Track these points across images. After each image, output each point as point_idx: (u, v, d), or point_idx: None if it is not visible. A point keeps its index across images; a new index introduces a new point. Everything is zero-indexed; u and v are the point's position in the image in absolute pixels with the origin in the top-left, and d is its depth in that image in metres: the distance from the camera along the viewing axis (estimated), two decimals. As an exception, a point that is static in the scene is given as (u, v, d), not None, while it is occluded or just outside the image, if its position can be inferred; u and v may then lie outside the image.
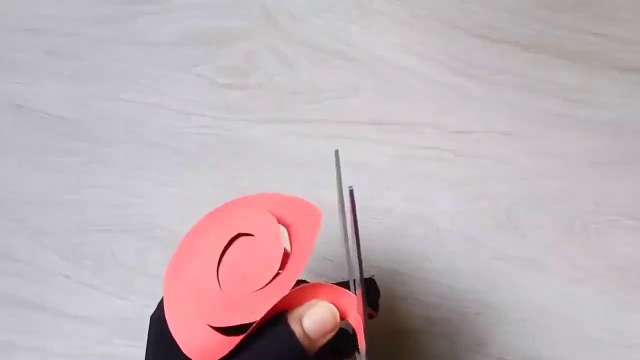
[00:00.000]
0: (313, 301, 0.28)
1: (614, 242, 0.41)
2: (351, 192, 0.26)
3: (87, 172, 0.47)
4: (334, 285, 0.29)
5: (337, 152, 0.30)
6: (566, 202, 0.42)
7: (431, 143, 0.44)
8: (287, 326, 0.27)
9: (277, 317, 0.28)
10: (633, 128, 0.43)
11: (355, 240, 0.27)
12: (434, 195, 0.43)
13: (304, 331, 0.27)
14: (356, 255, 0.27)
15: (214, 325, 0.28)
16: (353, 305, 0.28)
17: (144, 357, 0.29)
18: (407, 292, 0.42)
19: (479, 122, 0.44)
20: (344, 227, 0.30)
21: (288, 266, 0.29)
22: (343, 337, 0.29)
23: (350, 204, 0.26)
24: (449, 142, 0.44)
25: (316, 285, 0.29)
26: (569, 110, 0.43)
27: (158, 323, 0.30)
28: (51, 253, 0.45)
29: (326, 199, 0.44)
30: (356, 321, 0.28)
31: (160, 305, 0.30)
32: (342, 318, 0.29)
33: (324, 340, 0.28)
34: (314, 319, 0.27)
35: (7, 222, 0.46)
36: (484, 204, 0.42)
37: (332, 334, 0.28)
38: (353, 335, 0.29)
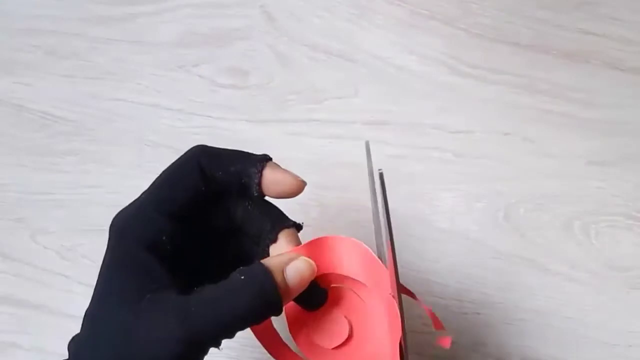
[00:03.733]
0: (290, 254, 0.28)
1: (614, 242, 0.41)
2: (381, 175, 0.26)
3: (87, 172, 0.47)
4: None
5: (367, 143, 0.30)
6: (566, 202, 0.42)
7: (431, 143, 0.44)
8: (264, 266, 0.27)
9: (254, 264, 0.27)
10: (633, 128, 0.43)
11: (386, 222, 0.26)
12: (434, 195, 0.43)
13: (284, 279, 0.27)
14: (387, 233, 0.26)
15: None
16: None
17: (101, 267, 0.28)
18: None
19: (479, 122, 0.44)
20: (375, 210, 0.30)
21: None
22: (312, 291, 0.29)
23: (380, 186, 0.26)
24: (449, 142, 0.44)
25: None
26: (569, 110, 0.43)
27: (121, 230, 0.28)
28: (51, 253, 0.45)
29: (326, 199, 0.44)
30: (388, 301, 0.28)
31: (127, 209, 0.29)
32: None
33: (298, 292, 0.27)
34: (295, 268, 0.27)
35: (7, 222, 0.46)
36: (484, 204, 0.42)
37: (305, 285, 0.28)
38: (323, 291, 0.29)
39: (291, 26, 0.47)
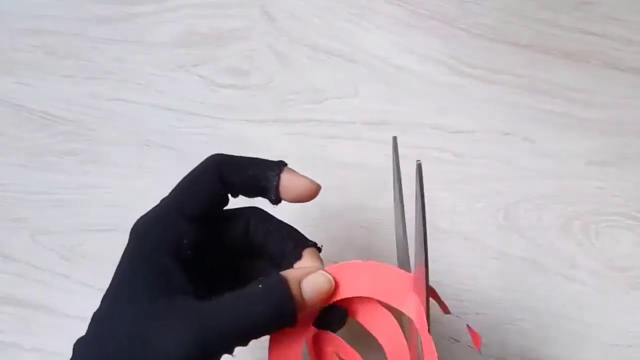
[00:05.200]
0: (309, 267, 0.28)
1: (614, 242, 0.41)
2: (419, 167, 0.26)
3: (87, 172, 0.47)
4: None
5: (395, 138, 0.31)
6: (566, 202, 0.42)
7: (431, 143, 0.44)
8: (281, 276, 0.27)
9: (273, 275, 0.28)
10: (633, 128, 0.43)
11: (422, 218, 0.27)
12: (434, 195, 0.43)
13: (300, 290, 0.27)
14: (422, 232, 0.27)
15: None
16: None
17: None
18: (407, 292, 0.42)
19: (479, 122, 0.44)
20: (400, 211, 0.30)
21: None
22: (332, 311, 0.29)
23: (418, 179, 0.26)
24: (449, 142, 0.44)
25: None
26: (569, 110, 0.43)
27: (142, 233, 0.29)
28: (51, 253, 0.45)
29: (326, 199, 0.44)
30: (416, 304, 0.28)
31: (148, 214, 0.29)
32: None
33: (315, 305, 0.28)
34: (312, 281, 0.27)
35: (7, 222, 0.46)
36: (483, 204, 0.42)
37: (323, 301, 0.28)
38: (344, 311, 0.29)
39: (291, 26, 0.47)
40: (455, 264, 0.42)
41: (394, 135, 0.31)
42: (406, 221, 0.31)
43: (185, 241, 0.28)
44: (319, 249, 0.31)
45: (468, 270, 0.42)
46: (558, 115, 0.43)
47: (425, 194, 0.43)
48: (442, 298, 0.30)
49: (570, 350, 0.40)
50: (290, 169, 0.31)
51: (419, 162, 0.26)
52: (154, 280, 0.27)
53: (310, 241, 0.31)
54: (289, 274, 0.27)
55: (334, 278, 0.28)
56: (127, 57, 0.48)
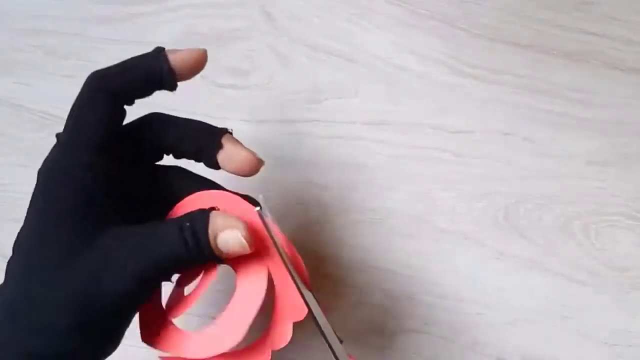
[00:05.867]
0: (233, 220, 0.26)
1: (614, 242, 0.41)
2: (263, 199, 0.26)
3: (87, 172, 0.47)
4: (239, 198, 0.28)
5: (261, 197, 0.29)
6: (566, 202, 0.42)
7: (431, 143, 0.44)
8: (207, 216, 0.26)
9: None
10: (633, 128, 0.43)
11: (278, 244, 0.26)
12: (434, 195, 0.43)
13: (216, 242, 0.26)
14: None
15: None
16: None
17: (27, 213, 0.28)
18: (406, 292, 0.42)
19: (479, 122, 0.44)
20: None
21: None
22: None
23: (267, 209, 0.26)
24: (449, 142, 0.44)
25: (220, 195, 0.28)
26: (569, 110, 0.43)
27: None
28: (51, 253, 0.45)
29: (326, 199, 0.44)
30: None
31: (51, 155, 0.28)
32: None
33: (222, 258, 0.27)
34: (226, 241, 0.26)
35: (7, 222, 0.46)
36: (483, 204, 0.42)
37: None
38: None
39: (291, 26, 0.47)
40: (455, 264, 0.42)
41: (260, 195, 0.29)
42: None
43: (91, 172, 0.27)
44: (231, 132, 0.30)
45: (468, 270, 0.42)
46: (558, 115, 0.43)
47: (426, 194, 0.43)
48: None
49: (570, 350, 0.40)
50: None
51: (260, 196, 0.26)
52: (80, 209, 0.26)
53: (222, 128, 0.30)
54: (215, 220, 0.26)
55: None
56: (127, 57, 0.48)
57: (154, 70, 0.29)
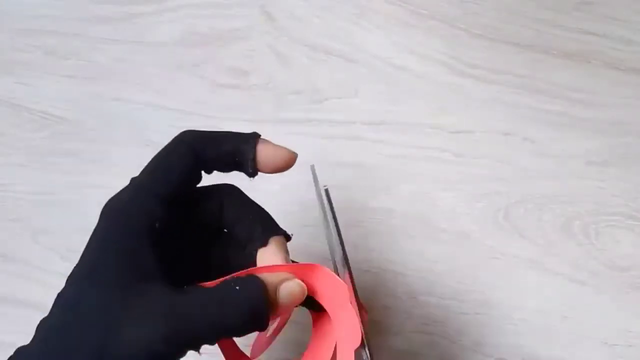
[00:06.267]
0: (284, 274, 0.27)
1: (614, 242, 0.41)
2: (326, 191, 0.26)
3: (87, 172, 0.47)
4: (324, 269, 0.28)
5: (312, 167, 0.31)
6: (566, 202, 0.42)
7: (431, 143, 0.44)
8: (259, 281, 0.26)
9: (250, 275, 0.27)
10: (633, 128, 0.43)
11: (338, 237, 0.26)
12: (434, 195, 0.43)
13: (276, 296, 0.26)
14: (340, 249, 0.27)
15: None
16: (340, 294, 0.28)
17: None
18: (407, 292, 0.42)
19: (479, 122, 0.44)
20: (328, 229, 0.30)
21: None
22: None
23: (327, 203, 0.26)
24: (449, 142, 0.44)
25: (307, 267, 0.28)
26: (569, 110, 0.43)
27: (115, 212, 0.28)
28: (51, 253, 0.45)
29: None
30: (349, 311, 0.28)
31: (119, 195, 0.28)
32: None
33: (286, 312, 0.27)
34: (289, 290, 0.26)
35: (7, 222, 0.46)
36: (483, 204, 0.42)
37: (293, 308, 0.27)
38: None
39: (291, 26, 0.47)
40: (455, 264, 0.42)
41: (312, 164, 0.30)
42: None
43: (157, 224, 0.27)
44: (289, 238, 0.30)
45: (468, 270, 0.42)
46: (558, 115, 0.43)
47: (426, 194, 0.43)
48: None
49: (570, 350, 0.40)
50: (265, 139, 0.30)
51: (325, 187, 0.25)
52: (124, 264, 0.26)
53: (281, 229, 0.30)
54: (267, 278, 0.26)
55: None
56: (127, 57, 0.48)
57: (242, 152, 0.29)
